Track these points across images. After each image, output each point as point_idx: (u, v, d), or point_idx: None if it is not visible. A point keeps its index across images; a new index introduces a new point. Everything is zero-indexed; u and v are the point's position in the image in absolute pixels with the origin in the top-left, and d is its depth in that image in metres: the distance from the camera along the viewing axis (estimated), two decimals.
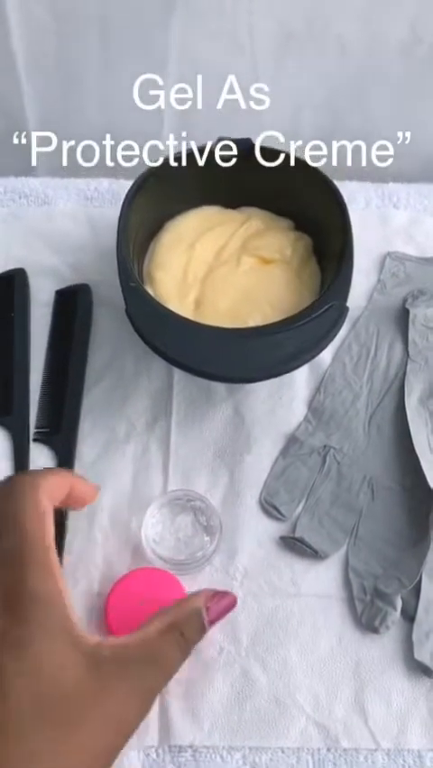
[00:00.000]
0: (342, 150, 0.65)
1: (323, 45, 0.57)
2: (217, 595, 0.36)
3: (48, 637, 0.29)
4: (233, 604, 0.37)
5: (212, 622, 0.34)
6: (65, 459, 0.47)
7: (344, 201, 0.49)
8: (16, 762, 0.26)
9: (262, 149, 0.52)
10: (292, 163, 0.51)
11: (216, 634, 0.42)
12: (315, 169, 0.50)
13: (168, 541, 0.45)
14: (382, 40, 0.56)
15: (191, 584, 0.42)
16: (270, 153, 0.51)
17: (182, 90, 0.60)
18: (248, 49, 0.57)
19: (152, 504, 0.45)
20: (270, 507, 0.46)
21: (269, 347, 0.41)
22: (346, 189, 0.59)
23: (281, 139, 0.63)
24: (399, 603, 0.42)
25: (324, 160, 0.63)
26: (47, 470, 0.41)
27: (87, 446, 0.48)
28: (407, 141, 0.63)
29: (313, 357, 0.42)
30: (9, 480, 0.35)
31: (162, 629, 0.32)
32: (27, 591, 0.29)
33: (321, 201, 0.50)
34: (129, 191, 0.48)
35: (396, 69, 0.58)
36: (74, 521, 0.45)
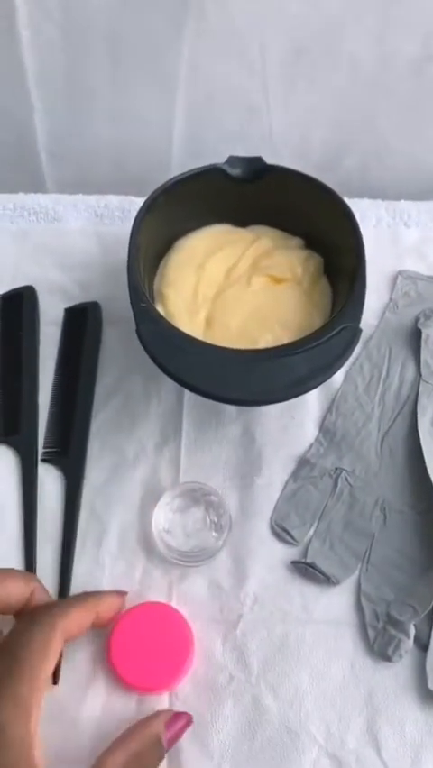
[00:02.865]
0: (353, 167, 0.65)
1: (334, 62, 0.56)
2: (174, 716, 0.37)
3: None
4: (189, 723, 0.38)
5: (170, 745, 0.35)
6: (74, 481, 0.47)
7: (356, 221, 0.48)
8: None
9: (273, 167, 0.51)
10: (303, 182, 0.50)
11: (225, 661, 0.41)
12: (326, 188, 0.50)
13: (177, 530, 0.45)
14: (393, 57, 0.56)
15: (195, 617, 0.42)
16: (280, 172, 0.51)
17: (193, 108, 0.60)
18: (259, 67, 0.56)
19: (168, 492, 0.45)
20: (281, 531, 0.45)
21: (279, 370, 0.41)
22: (357, 207, 0.59)
23: (292, 156, 0.63)
24: (412, 631, 0.41)
25: (335, 178, 0.63)
26: (74, 601, 0.38)
27: (96, 468, 0.47)
28: (418, 159, 0.63)
29: (325, 380, 0.42)
30: (35, 612, 0.36)
31: (125, 762, 0.33)
32: None
33: (332, 220, 0.50)
34: (139, 212, 0.48)
35: (407, 86, 0.58)
36: (81, 546, 0.45)
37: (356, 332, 0.43)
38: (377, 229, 0.60)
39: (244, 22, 0.53)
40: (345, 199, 0.59)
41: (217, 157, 0.51)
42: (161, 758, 0.34)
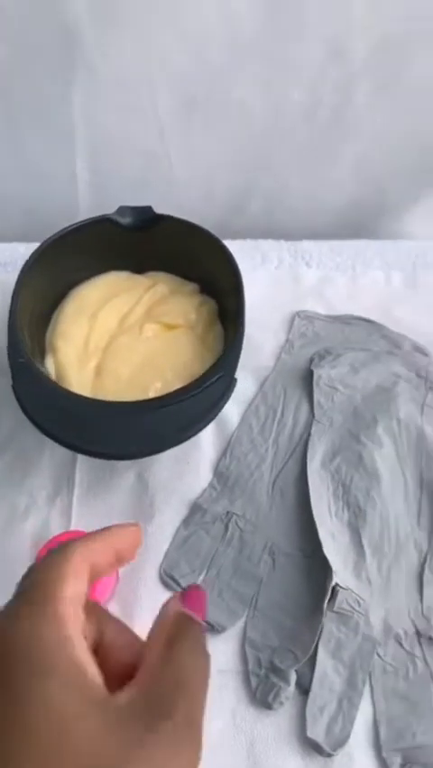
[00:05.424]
0: (258, 209, 0.66)
1: (225, 110, 0.58)
2: (184, 592, 0.30)
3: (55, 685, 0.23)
4: (202, 591, 0.31)
5: (199, 614, 0.29)
6: None
7: (237, 268, 0.49)
8: None
9: (162, 216, 0.52)
10: (189, 229, 0.51)
11: None
12: (210, 234, 0.51)
13: None
14: (282, 104, 0.57)
15: None
16: (169, 220, 0.52)
17: (94, 157, 0.61)
18: (153, 116, 0.58)
19: None
20: (169, 580, 0.45)
21: (141, 424, 0.41)
22: (260, 249, 0.61)
23: (198, 200, 0.64)
24: (293, 677, 0.41)
25: (242, 220, 0.65)
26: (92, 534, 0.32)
27: None
28: (318, 199, 0.64)
29: (199, 431, 0.42)
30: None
31: (163, 653, 0.26)
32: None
33: (219, 266, 0.51)
34: (23, 267, 0.48)
35: (300, 131, 0.60)
36: None
37: (231, 382, 0.44)
38: (279, 270, 0.61)
39: (132, 74, 0.55)
40: (250, 241, 0.61)
41: (122, 203, 0.53)
42: (198, 627, 0.28)
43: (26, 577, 0.27)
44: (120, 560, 0.31)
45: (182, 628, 0.27)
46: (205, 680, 0.25)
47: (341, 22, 0.50)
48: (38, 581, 0.26)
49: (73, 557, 0.27)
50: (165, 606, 0.28)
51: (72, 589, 0.26)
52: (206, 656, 0.26)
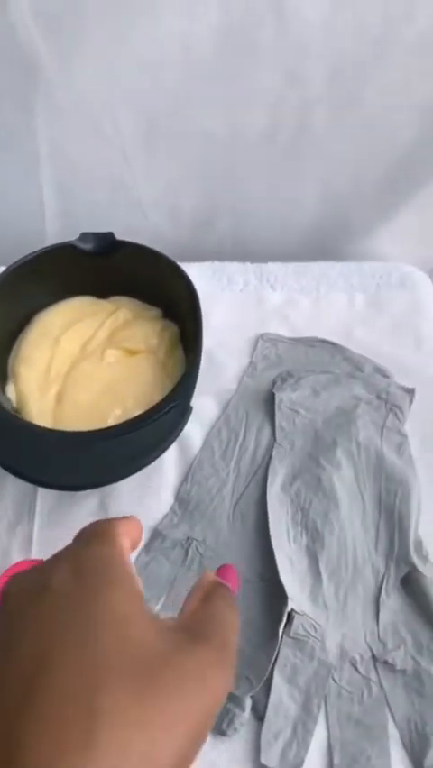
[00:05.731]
0: (225, 230, 0.66)
1: (188, 135, 0.58)
2: (219, 568, 0.33)
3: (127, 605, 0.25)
4: (234, 569, 0.34)
5: (232, 584, 0.32)
6: None
7: (195, 293, 0.49)
8: (105, 714, 0.22)
9: (123, 242, 0.53)
10: (149, 255, 0.52)
11: None
12: (166, 258, 0.51)
13: None
14: (243, 128, 0.58)
15: None
16: (130, 246, 0.53)
17: (60, 182, 0.61)
18: (117, 142, 0.58)
19: None
20: None
21: (98, 454, 0.41)
22: (226, 271, 0.61)
23: (166, 222, 0.65)
24: (248, 704, 0.41)
25: (210, 241, 0.65)
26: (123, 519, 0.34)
27: None
28: (283, 220, 0.65)
29: (154, 459, 0.43)
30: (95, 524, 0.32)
31: (199, 603, 0.29)
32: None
33: (179, 291, 0.51)
34: None
35: (262, 153, 0.60)
36: None
37: (186, 409, 0.44)
38: (244, 293, 0.61)
39: (93, 101, 0.55)
40: (216, 263, 0.61)
41: (91, 226, 0.53)
42: (228, 590, 0.30)
43: (81, 532, 0.30)
44: (135, 546, 0.33)
45: (217, 589, 0.30)
46: (236, 626, 0.28)
47: (296, 51, 0.51)
48: (98, 528, 0.29)
49: (119, 523, 0.30)
50: (201, 576, 0.31)
51: (125, 539, 0.29)
52: (237, 611, 0.29)
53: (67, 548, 0.28)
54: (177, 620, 0.28)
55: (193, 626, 0.27)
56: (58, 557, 0.27)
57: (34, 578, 0.26)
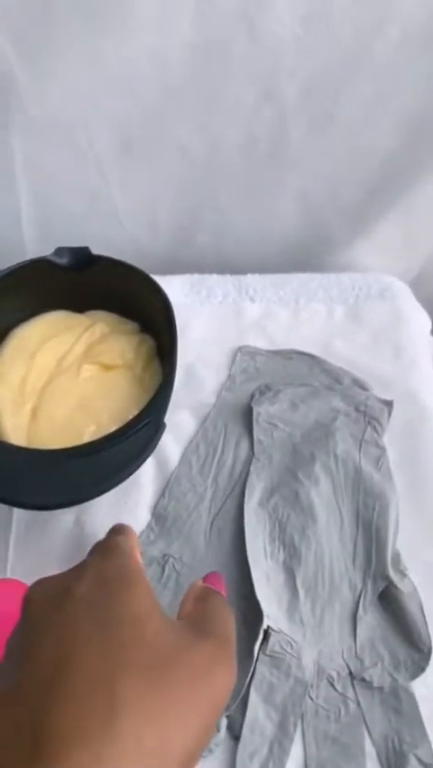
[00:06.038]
0: (205, 242, 0.66)
1: (164, 149, 0.58)
2: (205, 575, 0.35)
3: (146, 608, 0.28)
4: (220, 574, 0.36)
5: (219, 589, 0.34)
6: None
7: (171, 309, 0.49)
8: (123, 701, 0.23)
9: (99, 257, 0.53)
10: (125, 269, 0.52)
11: None
12: (141, 273, 0.51)
13: None
14: (220, 141, 0.58)
15: None
16: (105, 261, 0.52)
17: (37, 196, 0.61)
18: (91, 156, 0.58)
19: None
20: None
21: (70, 473, 0.41)
22: (205, 283, 0.61)
23: (143, 235, 0.64)
24: (223, 723, 0.41)
25: (191, 254, 0.65)
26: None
27: None
28: (262, 231, 0.65)
29: (126, 477, 0.42)
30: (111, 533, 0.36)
31: (194, 605, 0.32)
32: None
33: (155, 305, 0.51)
34: None
35: (241, 167, 0.60)
36: None
37: (159, 427, 0.44)
38: (223, 305, 0.61)
39: (67, 116, 0.55)
40: (196, 275, 0.61)
41: (69, 240, 0.53)
42: (218, 594, 0.33)
43: (96, 546, 0.33)
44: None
45: (208, 592, 0.32)
46: (232, 624, 0.30)
47: (270, 65, 0.51)
48: (111, 543, 0.32)
49: (129, 537, 0.34)
50: (192, 585, 0.34)
51: (136, 550, 0.32)
52: (231, 611, 0.31)
53: (86, 561, 0.30)
54: (179, 617, 0.30)
55: (197, 624, 0.29)
56: (79, 568, 0.29)
57: (57, 585, 0.28)
